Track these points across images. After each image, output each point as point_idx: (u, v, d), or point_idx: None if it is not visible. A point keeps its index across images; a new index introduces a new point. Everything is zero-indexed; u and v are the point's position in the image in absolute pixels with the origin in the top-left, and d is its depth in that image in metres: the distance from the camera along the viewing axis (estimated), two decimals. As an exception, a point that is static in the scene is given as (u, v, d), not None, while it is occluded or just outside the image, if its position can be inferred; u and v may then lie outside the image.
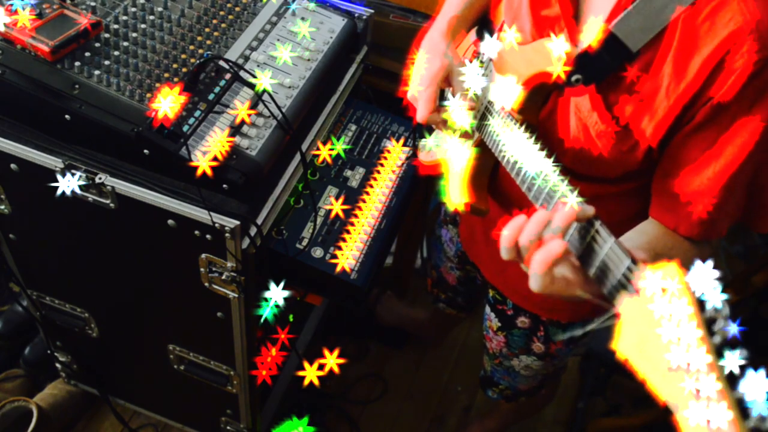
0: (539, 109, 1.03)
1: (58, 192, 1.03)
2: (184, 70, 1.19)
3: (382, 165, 1.43)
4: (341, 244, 1.27)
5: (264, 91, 1.16)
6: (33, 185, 1.16)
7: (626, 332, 0.61)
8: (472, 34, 1.25)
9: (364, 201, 1.35)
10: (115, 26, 1.20)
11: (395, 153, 1.45)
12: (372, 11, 1.48)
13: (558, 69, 0.92)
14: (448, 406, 2.17)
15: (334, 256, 1.25)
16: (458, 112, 1.01)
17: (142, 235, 1.23)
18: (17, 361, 1.97)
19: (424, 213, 2.06)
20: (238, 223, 1.09)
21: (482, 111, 1.07)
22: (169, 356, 1.50)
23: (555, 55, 0.91)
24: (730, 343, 0.54)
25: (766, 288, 1.94)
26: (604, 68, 0.93)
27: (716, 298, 0.55)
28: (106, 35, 1.18)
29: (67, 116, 1.10)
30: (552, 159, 0.85)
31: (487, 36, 1.16)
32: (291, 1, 1.39)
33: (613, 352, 0.62)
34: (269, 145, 1.17)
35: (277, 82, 1.26)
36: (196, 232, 1.13)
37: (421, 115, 1.09)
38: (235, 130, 1.16)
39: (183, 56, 1.21)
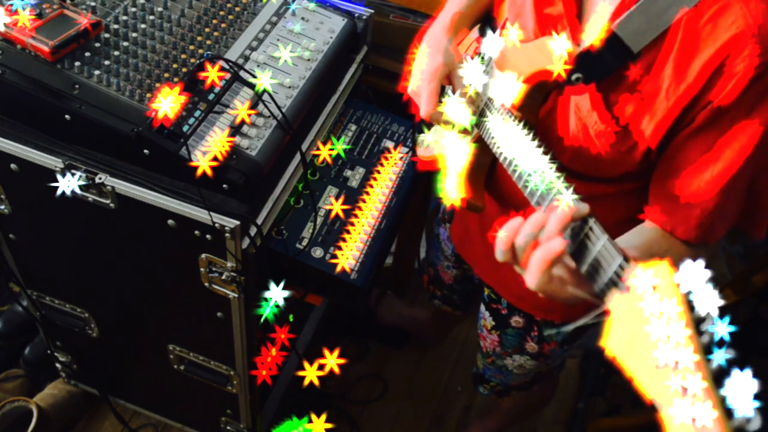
0: (539, 107, 1.03)
1: (58, 192, 1.03)
2: (184, 70, 1.19)
3: (382, 165, 1.43)
4: (341, 244, 1.27)
5: (264, 91, 1.16)
6: (33, 185, 1.16)
7: (615, 329, 0.61)
8: (475, 31, 1.25)
9: (364, 201, 1.35)
10: (115, 26, 1.20)
11: (395, 153, 1.45)
12: (372, 11, 1.48)
13: (558, 67, 0.92)
14: (448, 406, 2.17)
15: (334, 256, 1.25)
16: (458, 109, 1.01)
17: (142, 235, 1.23)
18: (17, 361, 1.97)
19: (423, 213, 2.06)
20: (238, 223, 1.09)
21: (482, 108, 1.07)
22: (169, 356, 1.50)
23: (556, 53, 0.91)
24: (718, 343, 0.54)
25: (766, 288, 1.94)
26: (604, 68, 0.93)
27: (706, 296, 0.55)
28: (106, 35, 1.18)
29: (67, 116, 1.10)
30: (549, 156, 0.84)
31: (489, 33, 1.15)
32: (291, 1, 1.39)
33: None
34: (269, 145, 1.17)
35: (277, 82, 1.26)
36: (196, 232, 1.13)
37: (424, 111, 1.08)
38: (235, 130, 1.16)
39: (183, 56, 1.21)
